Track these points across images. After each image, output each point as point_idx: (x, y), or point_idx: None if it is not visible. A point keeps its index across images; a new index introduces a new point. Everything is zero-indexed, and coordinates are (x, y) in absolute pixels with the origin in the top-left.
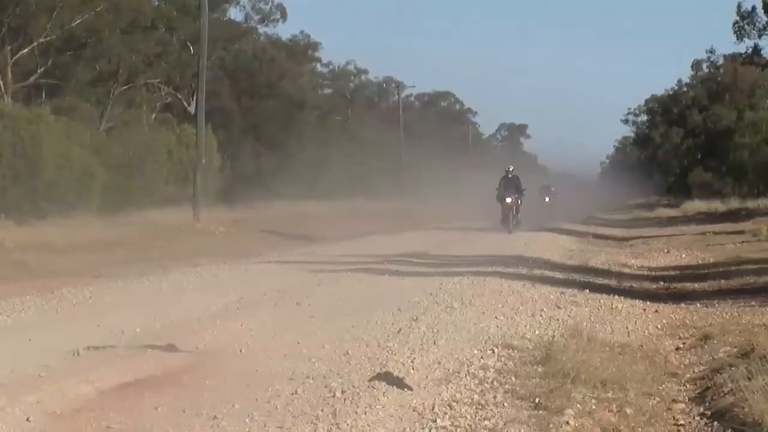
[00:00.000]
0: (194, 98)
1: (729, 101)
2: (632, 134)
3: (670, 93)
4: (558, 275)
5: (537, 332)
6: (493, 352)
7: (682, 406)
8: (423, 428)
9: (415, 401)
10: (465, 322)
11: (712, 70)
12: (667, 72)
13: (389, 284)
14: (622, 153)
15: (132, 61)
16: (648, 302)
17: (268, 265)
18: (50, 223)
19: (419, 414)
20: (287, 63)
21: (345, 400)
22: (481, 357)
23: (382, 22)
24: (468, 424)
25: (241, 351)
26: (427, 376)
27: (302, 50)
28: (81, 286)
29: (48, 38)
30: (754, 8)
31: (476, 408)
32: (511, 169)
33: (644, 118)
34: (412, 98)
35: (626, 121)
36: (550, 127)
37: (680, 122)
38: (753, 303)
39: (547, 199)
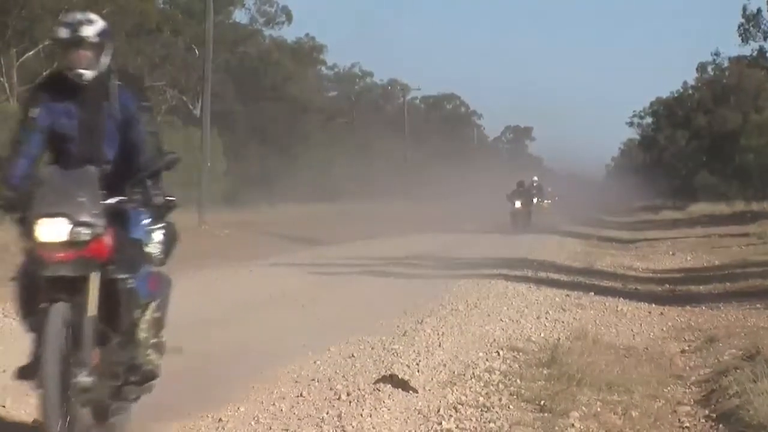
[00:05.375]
0: (199, 101)
1: (734, 104)
2: (637, 137)
3: (676, 95)
4: (563, 278)
5: (542, 335)
6: (499, 354)
7: (688, 408)
8: (428, 430)
9: (420, 404)
10: (470, 325)
11: (717, 72)
12: (672, 74)
13: (394, 287)
14: (627, 155)
15: (137, 64)
16: (653, 305)
17: (273, 268)
18: None
19: (424, 416)
20: (292, 65)
21: (350, 402)
22: (487, 359)
23: (387, 24)
24: (473, 427)
25: (246, 353)
26: (432, 379)
27: (307, 53)
28: None
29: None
30: (759, 10)
31: (481, 410)
32: None
33: (649, 120)
34: (417, 101)
35: (631, 124)
36: (555, 129)
37: (685, 125)
38: (758, 305)
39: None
